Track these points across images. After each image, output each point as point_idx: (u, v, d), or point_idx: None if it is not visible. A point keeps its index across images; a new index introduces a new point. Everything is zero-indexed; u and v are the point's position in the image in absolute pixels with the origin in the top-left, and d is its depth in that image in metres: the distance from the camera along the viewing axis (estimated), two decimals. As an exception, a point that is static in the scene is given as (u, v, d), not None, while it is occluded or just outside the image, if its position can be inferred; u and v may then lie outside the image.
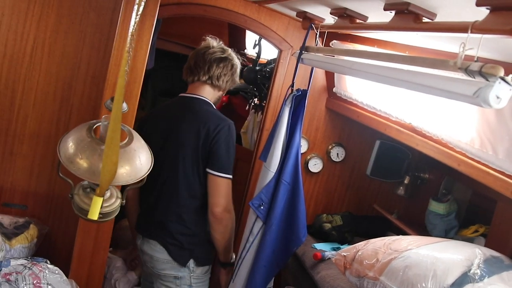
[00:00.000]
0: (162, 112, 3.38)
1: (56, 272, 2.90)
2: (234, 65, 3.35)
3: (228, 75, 3.31)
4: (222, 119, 3.23)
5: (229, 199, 3.24)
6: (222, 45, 3.37)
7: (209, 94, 3.32)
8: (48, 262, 2.99)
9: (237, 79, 3.43)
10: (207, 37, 3.38)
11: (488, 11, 1.48)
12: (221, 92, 3.40)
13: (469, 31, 1.54)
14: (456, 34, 1.72)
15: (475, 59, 1.52)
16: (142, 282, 3.88)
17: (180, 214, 3.27)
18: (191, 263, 3.32)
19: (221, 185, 3.20)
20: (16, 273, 2.75)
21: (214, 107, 3.34)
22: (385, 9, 2.09)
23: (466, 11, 1.67)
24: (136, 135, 2.12)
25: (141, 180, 2.10)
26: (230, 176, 3.21)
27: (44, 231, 3.45)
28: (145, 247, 3.36)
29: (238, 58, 3.39)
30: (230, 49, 3.36)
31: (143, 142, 2.14)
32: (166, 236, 3.28)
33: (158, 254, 3.31)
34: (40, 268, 2.83)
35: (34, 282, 2.72)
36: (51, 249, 3.57)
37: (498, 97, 1.42)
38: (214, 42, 3.35)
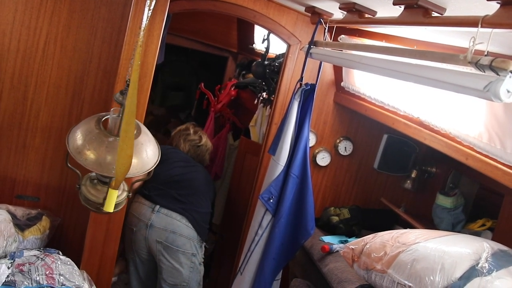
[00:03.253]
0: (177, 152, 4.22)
1: (68, 263, 2.93)
2: (207, 150, 4.38)
3: (201, 157, 4.32)
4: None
5: None
6: (199, 133, 4.37)
7: None
8: (60, 253, 3.02)
9: (207, 159, 4.45)
10: (190, 126, 4.41)
11: (498, 5, 1.48)
12: None
13: (479, 26, 1.55)
14: (465, 29, 1.73)
15: (485, 53, 1.53)
16: (131, 265, 3.99)
17: (209, 195, 3.97)
18: (204, 241, 3.83)
19: None
20: (29, 264, 2.79)
21: None
22: (394, 4, 2.10)
23: (476, 5, 1.67)
24: (144, 128, 2.14)
25: (148, 174, 2.13)
26: None
27: (56, 222, 3.48)
28: (163, 222, 3.59)
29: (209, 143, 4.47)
30: (205, 138, 4.39)
31: (150, 136, 2.16)
32: (194, 214, 3.74)
33: (183, 229, 3.70)
34: (52, 259, 2.87)
35: (47, 272, 2.75)
36: (63, 240, 3.61)
37: (508, 91, 1.43)
38: (193, 132, 4.33)
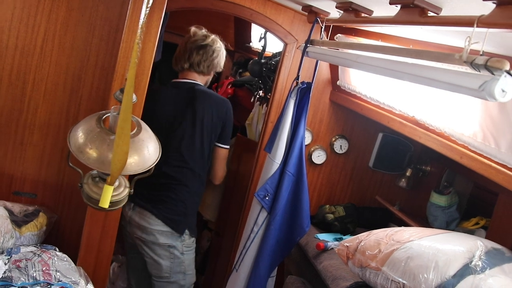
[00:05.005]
0: (165, 95, 3.71)
1: (65, 259, 2.95)
2: (214, 51, 3.74)
3: (208, 60, 3.72)
4: (224, 100, 3.79)
5: (225, 165, 3.92)
6: (205, 32, 3.78)
7: (197, 78, 3.73)
8: (57, 249, 3.04)
9: (219, 63, 3.82)
10: (192, 27, 3.80)
11: (494, 5, 1.50)
12: (207, 77, 3.80)
13: (475, 25, 1.56)
14: (461, 28, 1.75)
15: (481, 53, 1.55)
16: (128, 256, 4.06)
17: (186, 183, 3.63)
18: (186, 232, 3.65)
19: (225, 155, 3.84)
20: (26, 260, 2.80)
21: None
22: (390, 3, 2.11)
23: (472, 5, 1.69)
24: (144, 125, 2.16)
25: (149, 170, 2.15)
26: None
27: (53, 219, 3.49)
28: (137, 218, 3.59)
29: (221, 43, 3.82)
30: (213, 36, 3.79)
31: (151, 132, 2.18)
32: (166, 205, 3.59)
33: (154, 226, 3.57)
34: (49, 255, 2.88)
35: (43, 268, 2.76)
36: (59, 236, 3.61)
37: (503, 91, 1.45)
38: (196, 31, 3.73)
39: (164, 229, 3.57)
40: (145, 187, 3.42)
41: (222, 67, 3.91)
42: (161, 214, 3.56)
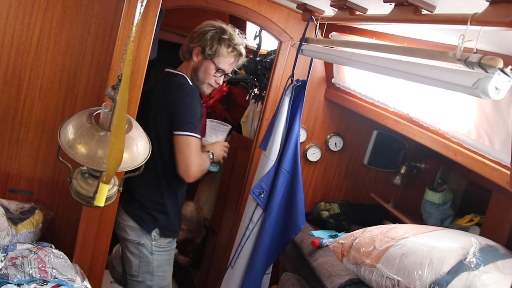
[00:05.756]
0: (150, 87, 3.47)
1: (61, 256, 2.94)
2: (200, 34, 3.38)
3: (189, 44, 3.43)
4: (179, 86, 3.31)
5: (194, 157, 3.26)
6: (212, 22, 3.46)
7: (183, 68, 3.49)
8: (53, 246, 3.03)
9: (202, 46, 3.36)
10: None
11: (487, 3, 1.51)
12: (192, 63, 3.42)
13: (469, 23, 1.56)
14: (455, 26, 1.75)
15: (474, 50, 1.56)
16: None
17: (151, 182, 3.43)
18: (155, 231, 3.46)
19: (187, 144, 3.23)
20: (22, 257, 2.80)
21: (187, 78, 3.42)
22: (384, 1, 2.12)
23: (465, 3, 1.69)
24: (135, 123, 2.17)
25: (138, 168, 2.16)
26: (193, 134, 3.23)
27: (49, 216, 3.50)
28: (116, 214, 3.48)
29: (220, 28, 3.41)
30: (211, 23, 3.44)
31: (141, 130, 2.19)
32: (134, 203, 3.44)
33: (125, 221, 3.47)
34: (45, 253, 2.88)
35: (39, 266, 2.76)
36: (55, 234, 3.62)
37: (497, 88, 1.46)
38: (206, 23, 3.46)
39: (133, 225, 3.46)
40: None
41: (214, 52, 3.37)
42: (129, 210, 3.46)
